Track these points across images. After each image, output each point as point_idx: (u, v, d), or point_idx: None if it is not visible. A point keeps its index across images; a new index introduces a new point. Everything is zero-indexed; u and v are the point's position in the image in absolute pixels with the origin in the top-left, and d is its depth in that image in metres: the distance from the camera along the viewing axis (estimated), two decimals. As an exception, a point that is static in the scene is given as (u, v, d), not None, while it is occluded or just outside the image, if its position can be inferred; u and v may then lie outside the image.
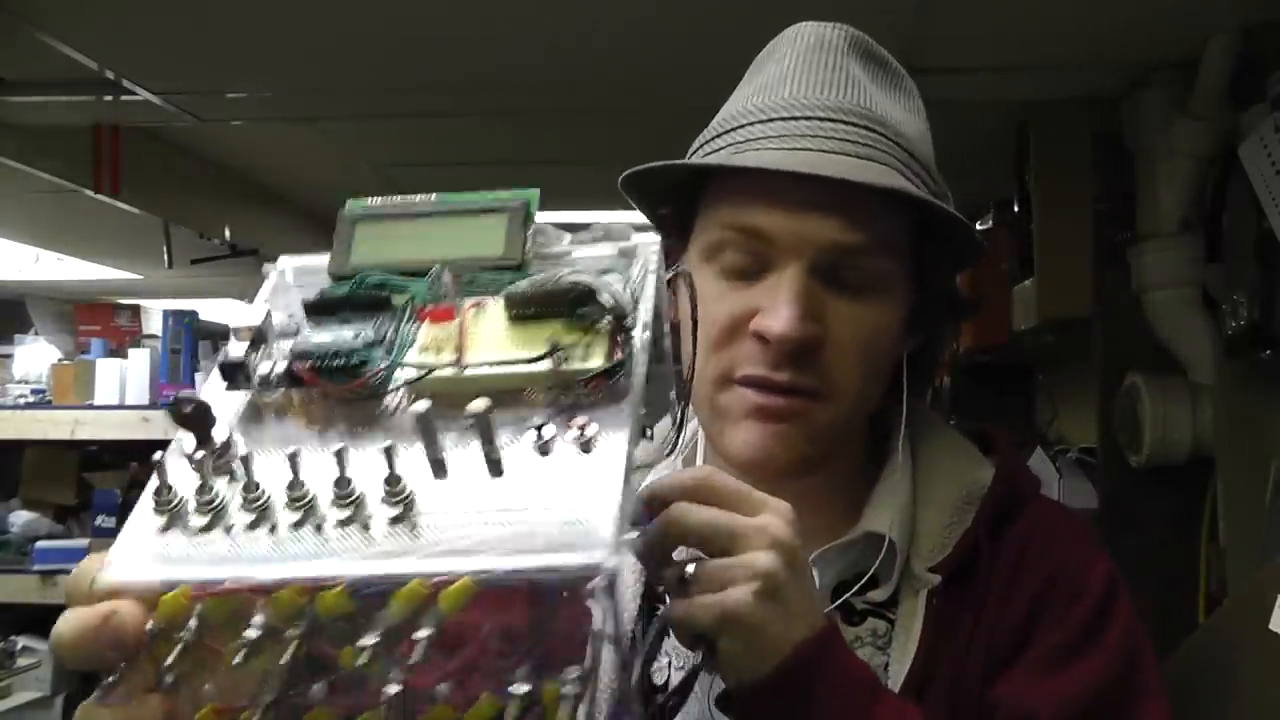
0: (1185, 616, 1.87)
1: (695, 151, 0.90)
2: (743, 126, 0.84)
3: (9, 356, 3.99)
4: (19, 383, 3.86)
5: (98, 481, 3.69)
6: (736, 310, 0.80)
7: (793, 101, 0.83)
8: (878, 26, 1.79)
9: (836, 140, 0.80)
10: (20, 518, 3.69)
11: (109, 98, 2.11)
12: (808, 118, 0.82)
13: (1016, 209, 2.39)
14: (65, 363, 3.79)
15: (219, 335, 3.87)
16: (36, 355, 3.99)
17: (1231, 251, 1.70)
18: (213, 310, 4.72)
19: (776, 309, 0.77)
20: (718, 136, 0.87)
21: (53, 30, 1.79)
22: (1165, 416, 1.84)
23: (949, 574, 0.83)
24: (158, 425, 3.43)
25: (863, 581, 0.84)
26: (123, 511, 3.46)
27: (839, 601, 0.84)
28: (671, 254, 0.79)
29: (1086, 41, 1.85)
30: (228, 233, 3.10)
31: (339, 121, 2.52)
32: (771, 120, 0.83)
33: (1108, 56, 1.90)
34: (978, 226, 2.66)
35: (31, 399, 3.78)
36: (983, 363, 2.85)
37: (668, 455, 0.85)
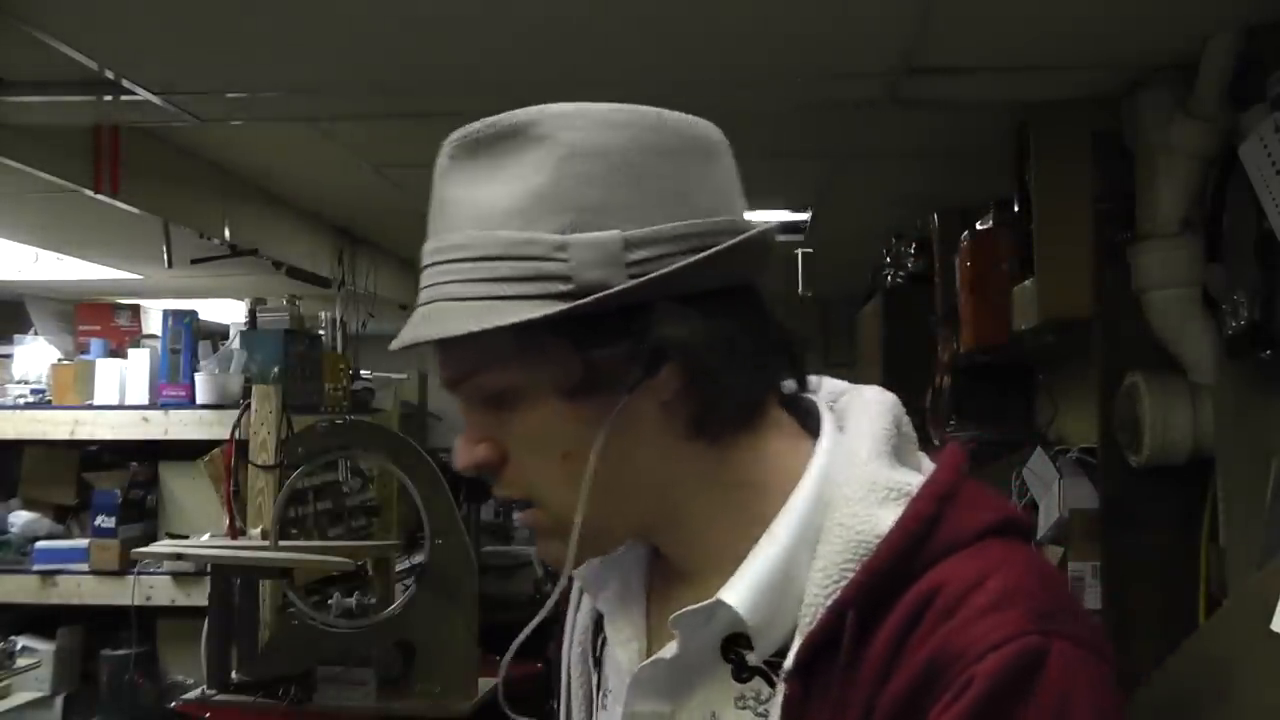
0: (1185, 617, 1.87)
1: None
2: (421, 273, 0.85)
3: (9, 356, 3.99)
4: (19, 383, 3.86)
5: (98, 481, 3.69)
6: None
7: (424, 251, 0.84)
8: (878, 27, 1.80)
9: (430, 289, 0.80)
10: (20, 518, 3.69)
11: (109, 98, 2.11)
12: (424, 266, 0.83)
13: (1016, 209, 2.39)
14: (65, 363, 3.79)
15: (219, 335, 3.87)
16: (36, 355, 3.98)
17: (1231, 251, 1.69)
18: (213, 310, 4.72)
19: (456, 444, 0.82)
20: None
21: (53, 30, 1.79)
22: (1165, 416, 1.84)
23: (814, 653, 0.73)
24: (157, 425, 3.43)
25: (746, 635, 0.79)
26: (123, 511, 3.46)
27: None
28: None
29: (1086, 41, 1.85)
30: (228, 233, 3.10)
31: (339, 121, 2.53)
32: (422, 270, 0.84)
33: (1108, 56, 1.90)
34: (978, 226, 2.65)
35: (31, 399, 3.78)
36: (983, 363, 2.85)
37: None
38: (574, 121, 0.80)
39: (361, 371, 4.58)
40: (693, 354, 0.75)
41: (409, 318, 0.82)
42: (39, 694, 3.47)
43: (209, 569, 3.02)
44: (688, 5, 1.70)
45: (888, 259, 3.72)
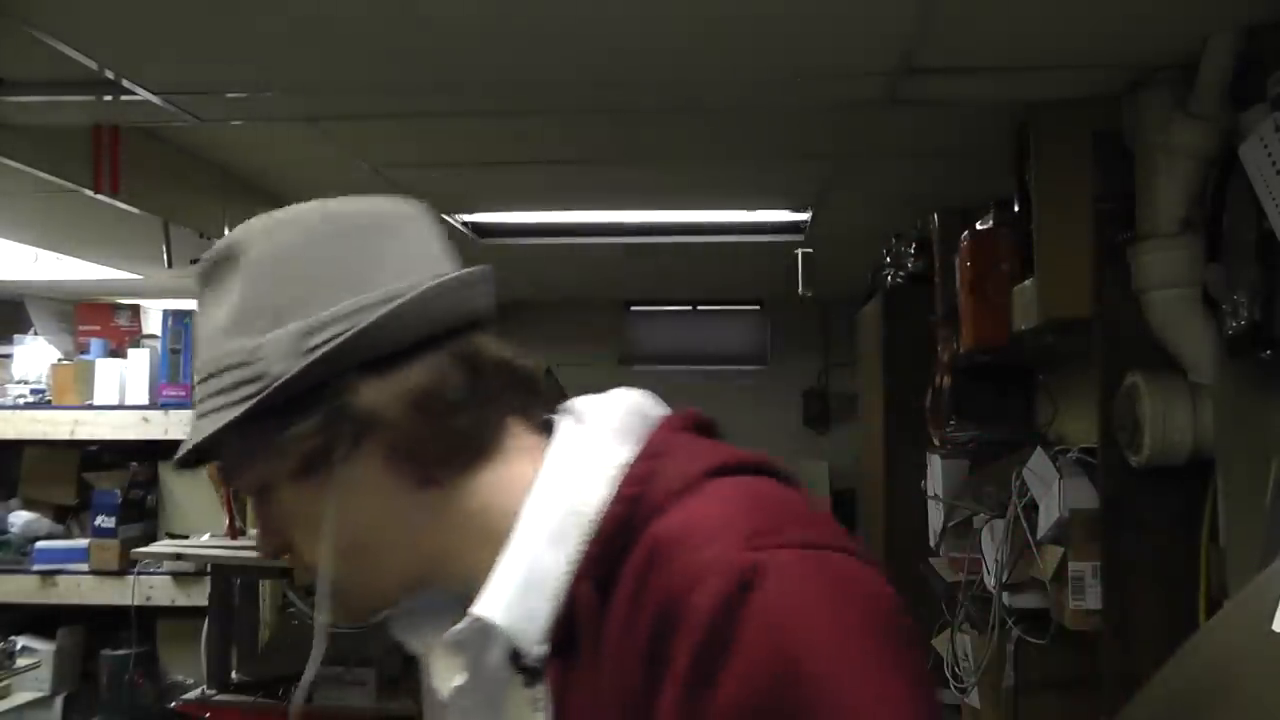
0: (1185, 617, 1.87)
1: None
2: None
3: (9, 356, 3.99)
4: (19, 383, 3.86)
5: (98, 481, 3.70)
6: None
7: None
8: (878, 27, 1.80)
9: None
10: (20, 518, 3.69)
11: (109, 98, 2.11)
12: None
13: (1016, 209, 2.39)
14: (65, 363, 3.79)
15: (219, 335, 3.86)
16: (36, 355, 3.98)
17: (1231, 251, 1.69)
18: (213, 310, 4.71)
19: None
20: None
21: (53, 30, 1.79)
22: (1165, 416, 1.84)
23: (564, 635, 0.78)
24: (157, 425, 3.44)
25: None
26: (123, 511, 3.46)
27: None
28: None
29: (1086, 41, 1.85)
30: (227, 232, 3.09)
31: (339, 121, 2.52)
32: None
33: (1108, 56, 1.90)
34: (978, 226, 2.65)
35: (31, 399, 3.78)
36: (983, 363, 2.85)
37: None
38: (259, 234, 0.89)
39: (361, 371, 4.57)
40: (387, 418, 0.82)
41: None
42: (39, 694, 3.48)
43: (209, 569, 3.02)
44: (687, 5, 1.70)
45: (888, 259, 3.71)
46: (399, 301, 0.83)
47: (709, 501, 0.79)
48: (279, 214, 0.90)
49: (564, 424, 0.91)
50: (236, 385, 0.83)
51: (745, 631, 0.69)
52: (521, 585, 0.81)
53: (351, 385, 0.82)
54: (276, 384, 0.81)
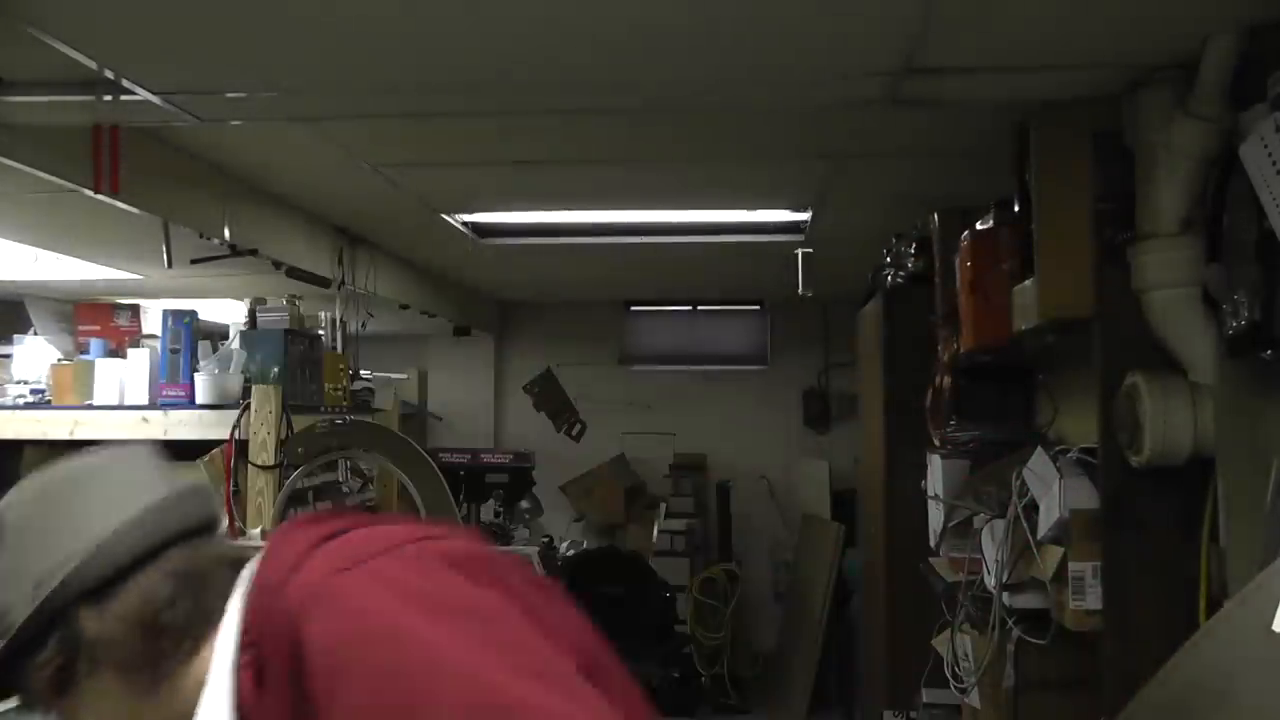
0: (1185, 617, 1.87)
1: None
2: None
3: (9, 356, 3.98)
4: (19, 383, 3.85)
5: (97, 482, 3.68)
6: None
7: None
8: (878, 27, 1.80)
9: None
10: (20, 518, 3.69)
11: (109, 98, 2.11)
12: None
13: (1016, 209, 2.38)
14: (65, 363, 3.78)
15: (219, 335, 3.87)
16: (36, 355, 3.98)
17: (1231, 251, 1.69)
18: (213, 310, 4.71)
19: None
20: None
21: (53, 30, 1.79)
22: (1165, 416, 1.84)
23: None
24: (157, 425, 3.43)
25: None
26: (122, 511, 3.45)
27: None
28: None
29: (1086, 41, 1.85)
30: (228, 233, 3.10)
31: (339, 121, 2.53)
32: None
33: (1108, 56, 1.90)
34: (978, 226, 2.66)
35: (31, 399, 3.77)
36: (983, 363, 2.85)
37: None
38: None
39: (361, 371, 4.58)
40: (107, 638, 0.99)
41: None
42: (39, 694, 3.48)
43: (209, 569, 3.02)
44: (686, 5, 1.70)
45: (888, 259, 3.71)
46: (97, 542, 1.00)
47: (316, 589, 0.96)
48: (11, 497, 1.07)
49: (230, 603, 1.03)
50: None
51: (346, 673, 0.90)
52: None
53: (73, 617, 0.99)
54: (16, 627, 0.98)
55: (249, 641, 0.95)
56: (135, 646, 0.99)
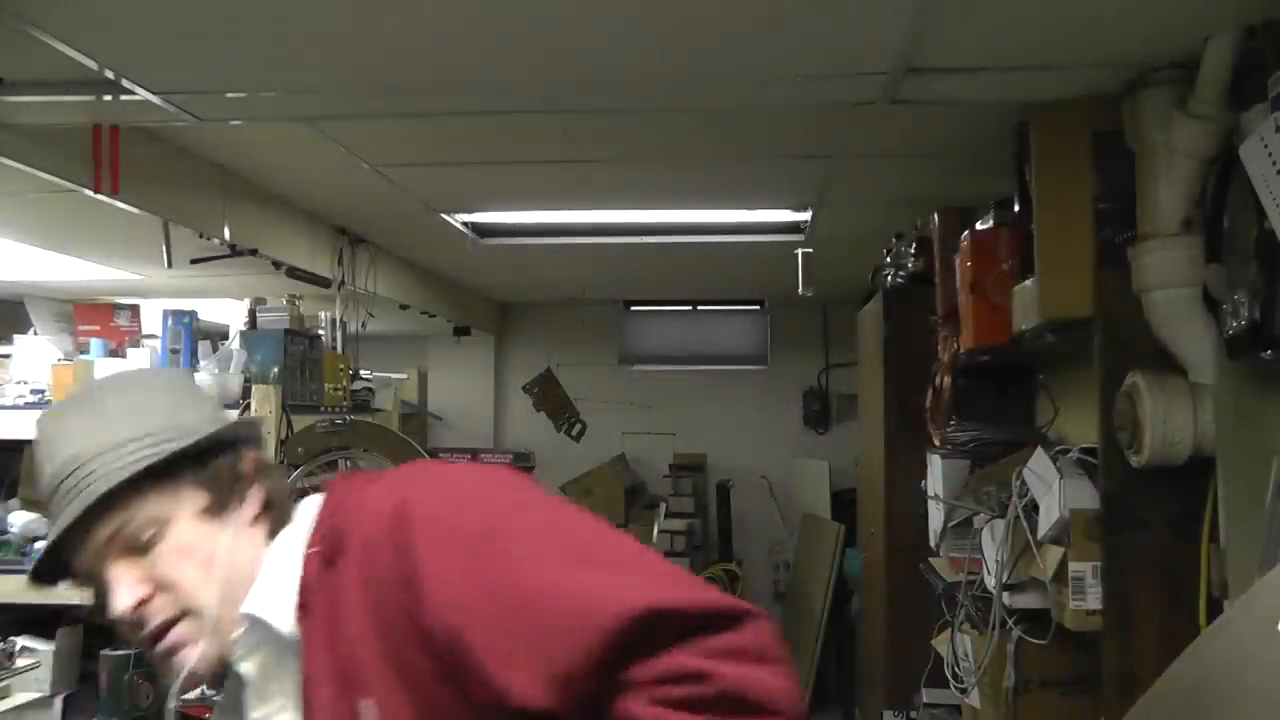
0: (1186, 617, 1.87)
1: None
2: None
3: (9, 356, 3.98)
4: (19, 383, 3.85)
5: (97, 482, 3.68)
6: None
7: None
8: (878, 27, 1.80)
9: (67, 497, 1.14)
10: (20, 518, 3.68)
11: (109, 98, 2.11)
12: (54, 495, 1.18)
13: (1016, 209, 2.39)
14: (65, 363, 3.78)
15: (219, 335, 3.87)
16: (36, 355, 3.98)
17: (1231, 251, 1.69)
18: (213, 310, 4.71)
19: (113, 597, 1.12)
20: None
21: (53, 30, 1.79)
22: (1165, 416, 1.84)
23: (302, 612, 1.08)
24: (157, 425, 3.44)
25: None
26: (122, 511, 3.45)
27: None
28: None
29: (1086, 41, 1.85)
30: (228, 233, 3.10)
31: (339, 121, 2.52)
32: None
33: (1108, 56, 1.90)
34: (978, 226, 2.66)
35: (31, 399, 3.78)
36: (983, 363, 2.85)
37: None
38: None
39: (361, 371, 4.58)
40: (252, 477, 1.17)
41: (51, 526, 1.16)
42: (39, 694, 3.47)
43: (209, 569, 3.02)
44: (687, 5, 1.70)
45: (888, 259, 3.71)
46: (235, 420, 1.26)
47: (365, 493, 1.14)
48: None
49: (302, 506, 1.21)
50: (164, 443, 1.12)
51: (414, 531, 1.04)
52: (276, 587, 1.12)
53: (240, 451, 1.18)
54: (204, 436, 1.14)
55: (319, 537, 1.11)
56: (270, 491, 1.18)
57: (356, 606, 1.05)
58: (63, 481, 1.14)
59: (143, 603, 1.11)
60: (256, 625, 1.12)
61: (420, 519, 1.03)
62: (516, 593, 0.98)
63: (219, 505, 1.15)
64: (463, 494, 1.08)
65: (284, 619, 1.10)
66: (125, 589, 1.11)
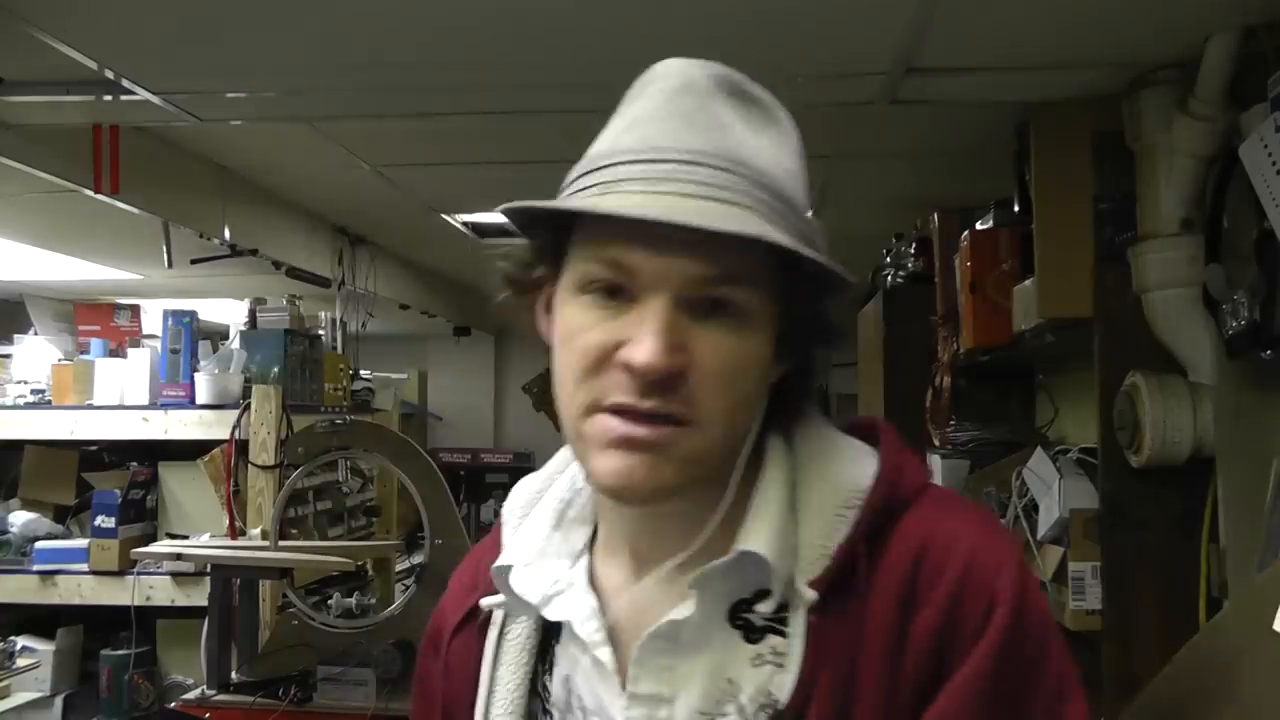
0: (1185, 617, 1.87)
1: (569, 185, 0.91)
2: (610, 166, 0.87)
3: (9, 356, 3.99)
4: (19, 383, 3.86)
5: (97, 481, 3.69)
6: (605, 340, 0.82)
7: (658, 143, 0.85)
8: (878, 27, 1.80)
9: (695, 184, 0.82)
10: (20, 518, 3.69)
11: (109, 98, 2.11)
12: (671, 160, 0.84)
13: (1016, 209, 2.39)
14: (65, 363, 3.79)
15: (219, 335, 3.87)
16: (36, 355, 3.98)
17: (1231, 251, 1.69)
18: (213, 310, 4.72)
19: (641, 340, 0.80)
20: (588, 173, 0.89)
21: (53, 30, 1.79)
22: (1165, 416, 1.84)
23: (829, 587, 0.82)
24: (157, 425, 3.44)
25: (751, 598, 0.85)
26: (123, 511, 3.46)
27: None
28: (546, 281, 0.90)
29: (1086, 41, 1.85)
30: (228, 233, 3.10)
31: (339, 121, 2.53)
32: (637, 162, 0.85)
33: (1108, 56, 1.90)
34: (978, 226, 2.66)
35: (31, 399, 3.78)
36: (983, 363, 2.85)
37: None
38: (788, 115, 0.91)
39: (361, 371, 4.58)
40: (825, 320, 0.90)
41: (639, 198, 0.83)
42: (39, 694, 3.48)
43: (209, 569, 3.02)
44: (686, 5, 1.70)
45: (888, 259, 3.71)
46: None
47: (956, 502, 0.90)
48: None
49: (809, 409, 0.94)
50: (808, 233, 0.85)
51: (1030, 610, 0.82)
52: (784, 537, 0.85)
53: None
54: (827, 265, 0.84)
55: (870, 521, 0.85)
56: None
57: (877, 624, 0.82)
58: (716, 167, 0.83)
59: (665, 375, 0.80)
60: (736, 569, 0.84)
61: (1033, 628, 0.82)
62: None
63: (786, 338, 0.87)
64: (1052, 625, 0.85)
65: (797, 584, 0.84)
66: (666, 346, 0.80)
